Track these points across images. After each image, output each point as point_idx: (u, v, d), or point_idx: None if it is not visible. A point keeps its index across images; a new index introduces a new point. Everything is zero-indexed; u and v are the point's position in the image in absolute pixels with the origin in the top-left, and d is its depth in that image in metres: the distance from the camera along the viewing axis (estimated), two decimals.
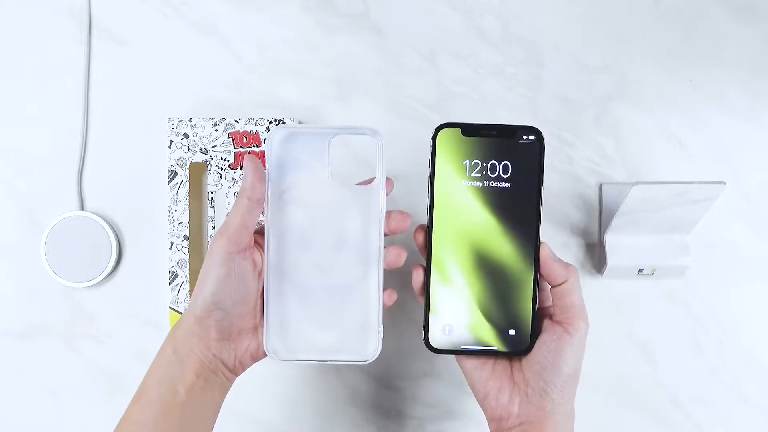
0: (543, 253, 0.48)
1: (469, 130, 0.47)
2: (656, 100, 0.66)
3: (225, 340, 0.47)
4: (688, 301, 0.66)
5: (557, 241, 0.66)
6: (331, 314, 0.48)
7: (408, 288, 0.51)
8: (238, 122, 0.64)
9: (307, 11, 0.66)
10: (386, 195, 0.48)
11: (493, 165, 0.47)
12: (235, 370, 0.48)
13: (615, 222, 0.61)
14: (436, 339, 0.48)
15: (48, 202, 0.66)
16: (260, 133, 0.64)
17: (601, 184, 0.65)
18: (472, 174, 0.47)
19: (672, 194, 0.58)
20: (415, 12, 0.66)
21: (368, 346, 0.48)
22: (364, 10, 0.66)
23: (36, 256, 0.66)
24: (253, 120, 0.64)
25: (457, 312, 0.48)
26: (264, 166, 0.47)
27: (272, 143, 0.47)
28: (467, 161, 0.47)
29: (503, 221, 0.47)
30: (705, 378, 0.66)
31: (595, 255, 0.66)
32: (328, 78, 0.66)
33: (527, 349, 0.48)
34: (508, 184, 0.47)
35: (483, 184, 0.47)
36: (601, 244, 0.64)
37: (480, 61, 0.66)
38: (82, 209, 0.66)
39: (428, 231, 0.47)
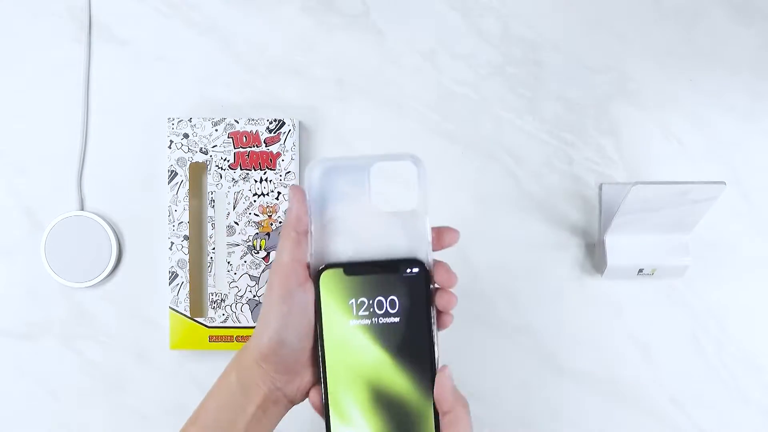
0: (441, 376, 0.46)
1: (351, 269, 0.46)
2: (656, 100, 0.66)
3: (289, 373, 0.47)
4: (688, 301, 0.66)
5: (558, 241, 0.66)
6: None
7: None
8: (238, 122, 0.64)
9: (307, 11, 0.66)
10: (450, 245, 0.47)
11: (379, 301, 0.46)
12: (295, 400, 0.48)
13: (615, 222, 0.61)
14: None
15: (48, 202, 0.66)
16: (260, 133, 0.64)
17: (601, 184, 0.65)
18: (360, 313, 0.46)
19: (672, 194, 0.58)
20: (415, 12, 0.66)
21: None
22: (364, 10, 0.66)
23: (36, 256, 0.66)
24: (253, 120, 0.64)
25: None
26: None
27: (312, 177, 0.46)
28: (353, 300, 0.46)
29: (396, 356, 0.46)
30: (705, 378, 0.66)
31: (595, 255, 0.66)
32: (328, 78, 0.66)
33: None
34: (396, 319, 0.46)
35: (371, 321, 0.46)
36: (601, 244, 0.64)
37: (480, 61, 0.66)
38: (82, 209, 0.66)
39: (322, 372, 0.46)
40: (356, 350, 0.46)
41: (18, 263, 0.67)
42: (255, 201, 0.64)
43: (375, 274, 0.46)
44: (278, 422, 0.48)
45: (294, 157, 0.64)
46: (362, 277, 0.46)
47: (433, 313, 0.46)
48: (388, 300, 0.46)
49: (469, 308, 0.66)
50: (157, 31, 0.66)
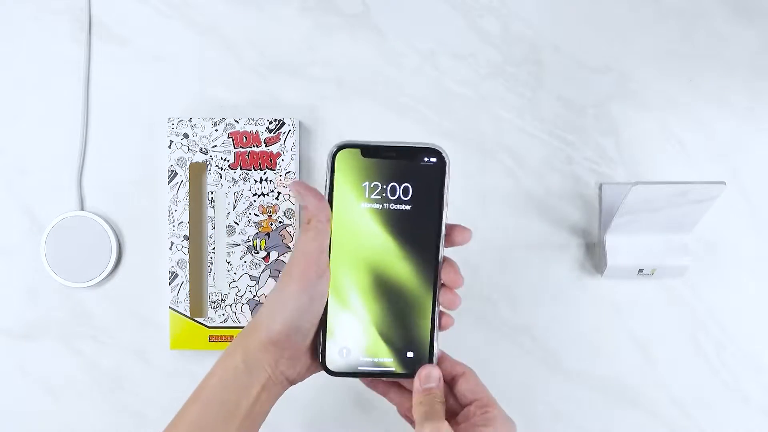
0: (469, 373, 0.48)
1: (368, 151, 0.46)
2: (656, 100, 0.66)
3: (295, 358, 0.47)
4: (688, 301, 0.66)
5: (558, 241, 0.66)
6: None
7: None
8: (238, 122, 0.64)
9: (306, 11, 0.66)
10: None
11: (393, 187, 0.46)
12: (295, 381, 0.48)
13: (615, 222, 0.61)
14: (333, 361, 0.47)
15: (48, 202, 0.66)
16: (260, 133, 0.64)
17: (601, 184, 0.65)
18: (372, 196, 0.46)
19: (672, 194, 0.58)
20: (415, 12, 0.66)
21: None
22: (364, 10, 0.66)
23: (36, 256, 0.66)
24: (253, 120, 0.64)
25: (355, 334, 0.47)
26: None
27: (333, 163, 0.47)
28: (366, 183, 0.46)
29: (402, 244, 0.46)
30: (705, 378, 0.66)
31: (595, 255, 0.66)
32: (328, 78, 0.66)
33: None
34: (408, 207, 0.46)
35: (382, 206, 0.46)
36: (601, 244, 0.64)
37: (480, 61, 0.66)
38: (82, 209, 0.66)
39: (329, 251, 0.46)
40: (363, 233, 0.46)
41: (18, 263, 0.67)
42: (255, 201, 0.64)
43: (391, 159, 0.46)
44: (276, 400, 0.48)
45: (294, 157, 0.64)
46: (378, 161, 0.46)
47: (445, 207, 0.46)
48: (401, 186, 0.46)
49: (469, 308, 0.66)
50: (157, 31, 0.66)
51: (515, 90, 0.66)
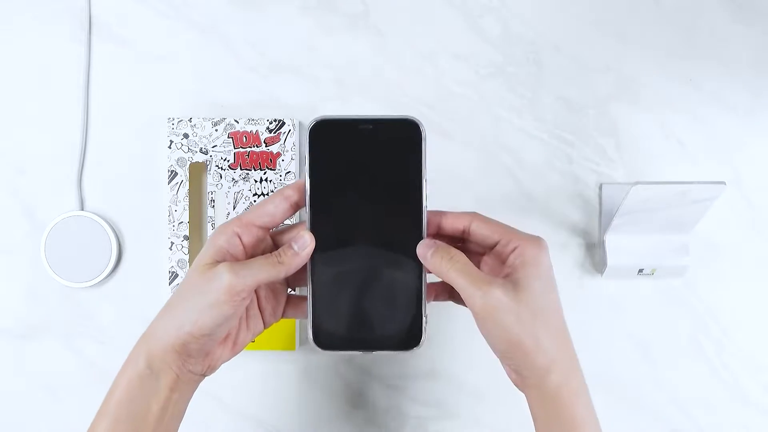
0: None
1: (345, 125, 0.46)
2: (656, 100, 0.66)
3: (204, 356, 0.46)
4: (688, 301, 0.66)
5: (558, 241, 0.66)
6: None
7: None
8: (238, 122, 0.64)
9: (307, 11, 0.66)
10: None
11: (372, 160, 0.46)
12: (207, 374, 0.48)
13: (615, 222, 0.61)
14: (323, 338, 0.47)
15: (48, 202, 0.66)
16: (260, 133, 0.64)
17: (601, 184, 0.65)
18: (351, 170, 0.46)
19: (672, 194, 0.58)
20: (415, 12, 0.66)
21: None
22: (364, 10, 0.66)
23: (36, 256, 0.66)
24: (253, 120, 0.64)
25: (343, 309, 0.47)
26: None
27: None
28: (345, 157, 0.46)
29: (385, 217, 0.46)
30: (705, 378, 0.66)
31: (595, 255, 0.66)
32: (328, 78, 0.66)
33: (418, 342, 0.47)
34: (388, 179, 0.46)
35: (362, 180, 0.46)
36: (601, 244, 0.64)
37: (480, 61, 0.66)
38: (82, 209, 0.66)
39: (309, 228, 0.46)
40: (345, 207, 0.46)
41: (18, 263, 0.67)
42: (255, 201, 0.64)
43: (368, 132, 0.46)
44: (191, 395, 0.48)
45: (294, 157, 0.64)
46: (356, 134, 0.46)
47: (424, 178, 0.46)
48: (380, 159, 0.46)
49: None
50: (157, 31, 0.66)
51: (515, 90, 0.66)
